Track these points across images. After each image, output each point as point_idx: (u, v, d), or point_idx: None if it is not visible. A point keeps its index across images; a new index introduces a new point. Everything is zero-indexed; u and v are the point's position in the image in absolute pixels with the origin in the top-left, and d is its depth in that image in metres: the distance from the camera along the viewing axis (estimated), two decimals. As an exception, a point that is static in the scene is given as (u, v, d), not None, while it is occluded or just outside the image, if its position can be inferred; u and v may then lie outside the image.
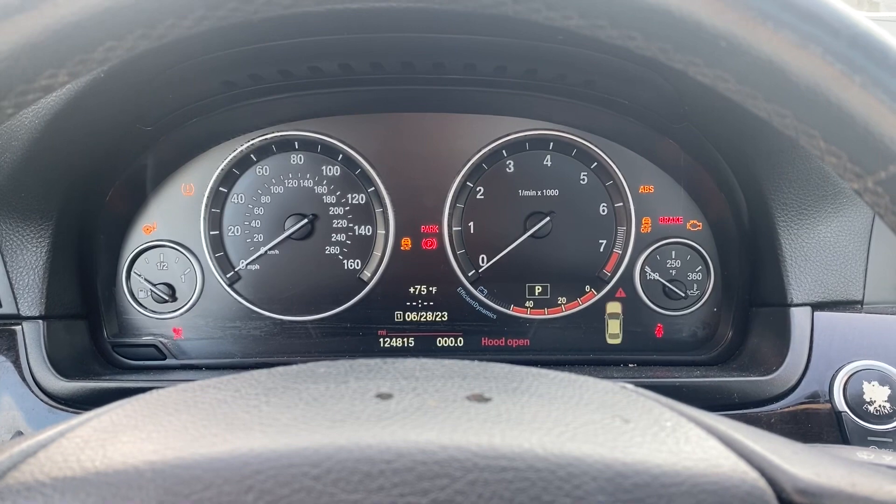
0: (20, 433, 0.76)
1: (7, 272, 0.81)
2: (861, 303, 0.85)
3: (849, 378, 0.77)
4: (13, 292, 0.82)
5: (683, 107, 0.84)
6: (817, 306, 0.82)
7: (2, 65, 0.33)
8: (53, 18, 0.34)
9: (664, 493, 0.32)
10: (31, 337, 0.81)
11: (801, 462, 0.36)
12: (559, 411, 0.37)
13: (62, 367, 0.81)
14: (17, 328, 0.81)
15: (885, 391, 0.75)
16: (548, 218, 0.93)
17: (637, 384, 0.77)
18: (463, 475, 0.31)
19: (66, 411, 0.78)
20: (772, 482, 0.34)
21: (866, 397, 0.76)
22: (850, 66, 0.33)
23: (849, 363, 0.78)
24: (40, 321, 0.81)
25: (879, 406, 0.75)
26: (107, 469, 0.33)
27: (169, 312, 0.93)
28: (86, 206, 0.86)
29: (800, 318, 0.81)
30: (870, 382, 0.76)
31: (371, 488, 0.31)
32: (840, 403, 0.76)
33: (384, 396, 0.38)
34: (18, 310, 0.81)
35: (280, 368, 0.43)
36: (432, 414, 0.36)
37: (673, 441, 0.36)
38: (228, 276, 0.93)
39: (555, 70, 0.82)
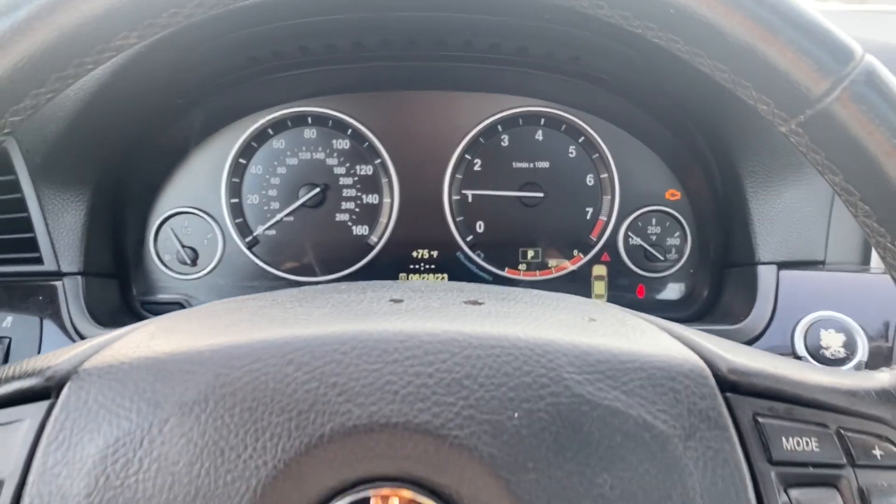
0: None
1: (49, 233, 0.89)
2: (823, 262, 0.92)
3: (809, 327, 0.84)
4: (55, 251, 0.89)
5: (661, 84, 0.91)
6: (783, 265, 0.89)
7: (90, 26, 0.40)
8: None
9: (621, 368, 0.40)
10: (71, 291, 0.88)
11: (736, 352, 0.43)
12: (539, 311, 0.45)
13: (99, 319, 0.88)
14: (59, 283, 0.89)
15: (841, 338, 0.83)
16: (540, 191, 1.01)
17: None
18: (460, 351, 0.39)
19: (104, 357, 0.86)
20: (709, 364, 0.41)
21: (823, 343, 0.83)
22: (771, 27, 0.39)
23: (809, 314, 0.85)
24: (79, 277, 0.89)
25: (835, 351, 0.82)
26: (173, 350, 0.40)
27: (192, 273, 1.01)
28: (120, 174, 0.93)
29: (766, 275, 0.88)
30: (827, 330, 0.83)
31: (387, 360, 0.38)
32: (800, 349, 0.83)
33: (396, 301, 0.45)
34: (59, 267, 0.89)
35: (307, 287, 0.51)
36: (436, 311, 0.43)
37: (631, 333, 0.43)
38: (247, 240, 1.01)
39: (544, 47, 0.89)
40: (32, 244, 0.89)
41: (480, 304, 0.45)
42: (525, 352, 0.39)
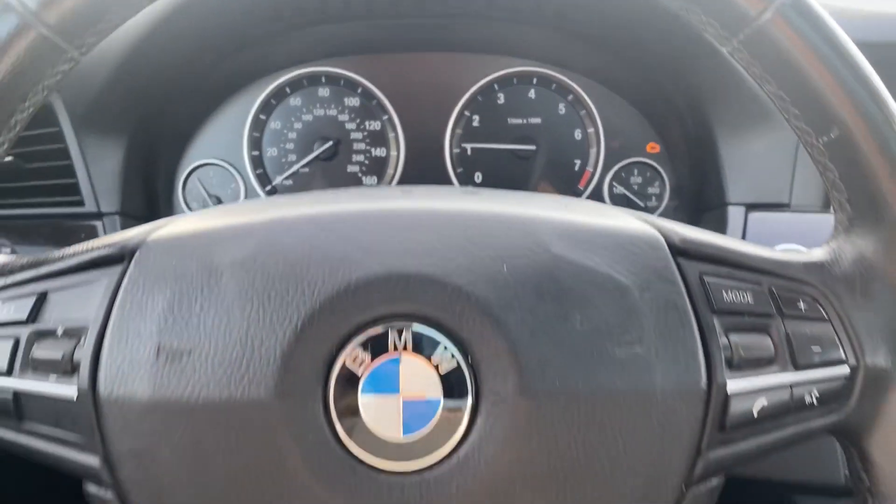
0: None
1: (90, 178, 0.96)
2: (788, 205, 0.99)
3: (772, 259, 0.92)
4: (95, 194, 0.97)
5: (641, 39, 0.98)
6: (750, 206, 0.97)
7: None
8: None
9: (592, 235, 0.47)
10: (109, 229, 0.96)
11: (688, 228, 0.51)
12: (527, 199, 0.53)
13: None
14: (98, 223, 0.97)
15: (800, 267, 0.90)
16: (533, 144, 1.09)
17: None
18: (461, 221, 0.46)
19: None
20: (665, 235, 0.49)
21: (785, 272, 0.90)
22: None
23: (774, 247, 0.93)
24: (116, 217, 0.96)
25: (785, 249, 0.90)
26: (225, 223, 0.48)
27: (217, 220, 1.09)
28: (153, 127, 1.01)
29: (735, 214, 0.96)
30: (788, 260, 0.91)
31: (403, 227, 0.46)
32: (764, 278, 0.91)
33: (405, 191, 0.53)
34: (99, 208, 0.96)
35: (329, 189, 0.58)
36: (441, 196, 0.51)
37: (603, 213, 0.51)
38: (267, 189, 1.09)
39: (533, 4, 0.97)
40: (75, 189, 0.97)
41: (477, 193, 0.53)
42: (514, 222, 0.47)
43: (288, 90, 1.09)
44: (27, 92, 0.49)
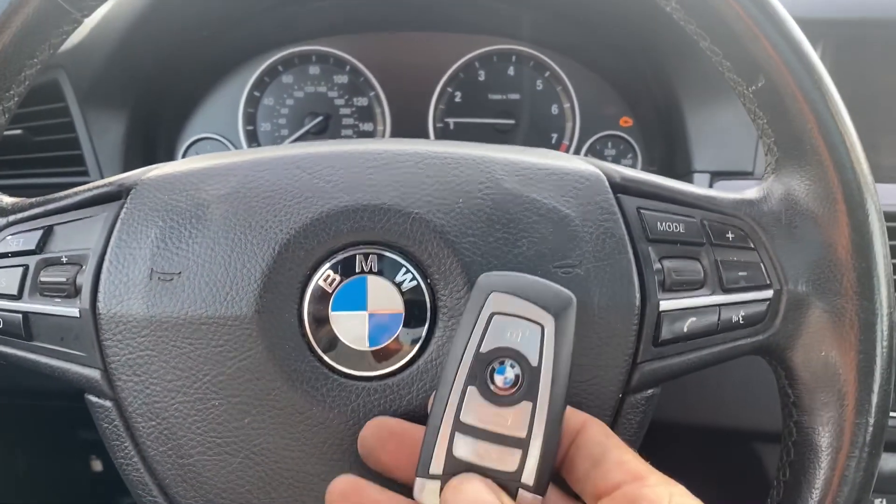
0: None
1: (94, 150, 1.01)
2: (752, 173, 1.03)
3: (733, 222, 0.96)
4: (98, 165, 1.01)
5: (611, 18, 1.03)
6: (716, 174, 1.01)
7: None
8: None
9: (540, 173, 0.51)
10: (113, 197, 1.01)
11: (629, 170, 0.55)
12: (484, 146, 0.57)
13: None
14: (102, 192, 1.01)
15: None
16: (512, 119, 1.13)
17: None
18: (422, 160, 0.50)
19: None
20: (606, 174, 0.53)
21: (744, 233, 0.95)
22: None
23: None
24: (120, 186, 1.01)
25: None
26: (212, 164, 0.53)
27: (214, 191, 1.13)
28: (154, 101, 1.06)
29: (700, 181, 1.00)
30: (748, 223, 0.95)
31: (369, 165, 0.50)
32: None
33: (375, 139, 0.58)
34: (102, 177, 1.01)
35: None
36: (405, 142, 0.55)
37: (550, 156, 0.55)
38: (261, 162, 1.13)
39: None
40: (80, 160, 1.02)
41: (439, 141, 0.58)
42: (469, 161, 0.52)
43: (280, 68, 1.13)
44: (35, 50, 0.53)
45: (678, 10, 0.54)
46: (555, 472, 0.45)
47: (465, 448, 0.41)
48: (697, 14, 0.52)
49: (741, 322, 0.52)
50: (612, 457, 0.43)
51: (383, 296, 0.48)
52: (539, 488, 0.41)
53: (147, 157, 1.07)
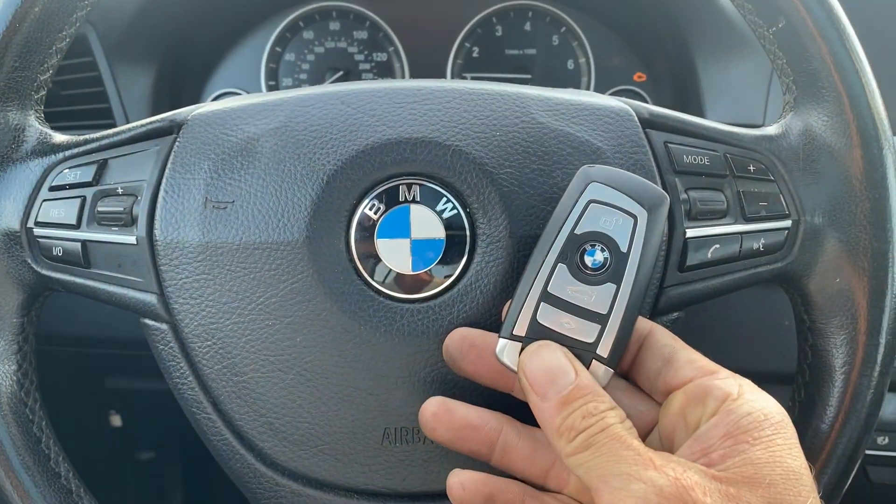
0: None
1: (122, 102, 1.03)
2: (762, 126, 1.05)
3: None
4: (126, 116, 1.03)
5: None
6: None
7: None
8: None
9: (573, 108, 0.54)
10: (141, 149, 1.03)
11: (656, 107, 0.57)
12: (520, 85, 0.59)
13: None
14: (130, 145, 1.03)
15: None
16: (529, 73, 1.15)
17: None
18: (460, 95, 0.53)
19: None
20: (635, 110, 0.55)
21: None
22: None
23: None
24: (147, 139, 1.03)
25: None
26: (260, 101, 0.55)
27: (237, 145, 1.15)
28: (178, 56, 1.07)
29: (713, 133, 1.02)
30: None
31: (411, 101, 0.52)
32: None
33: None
34: (131, 130, 1.03)
35: None
36: (445, 81, 0.57)
37: (584, 93, 0.57)
38: (282, 117, 1.15)
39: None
40: (108, 112, 1.04)
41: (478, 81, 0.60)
42: (505, 97, 0.54)
43: (301, 24, 1.14)
44: (63, 24, 0.55)
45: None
46: (623, 372, 0.48)
47: (549, 316, 0.45)
48: None
49: (761, 250, 0.54)
50: (681, 356, 0.46)
51: (425, 223, 0.51)
52: (612, 361, 0.45)
53: (173, 109, 1.09)
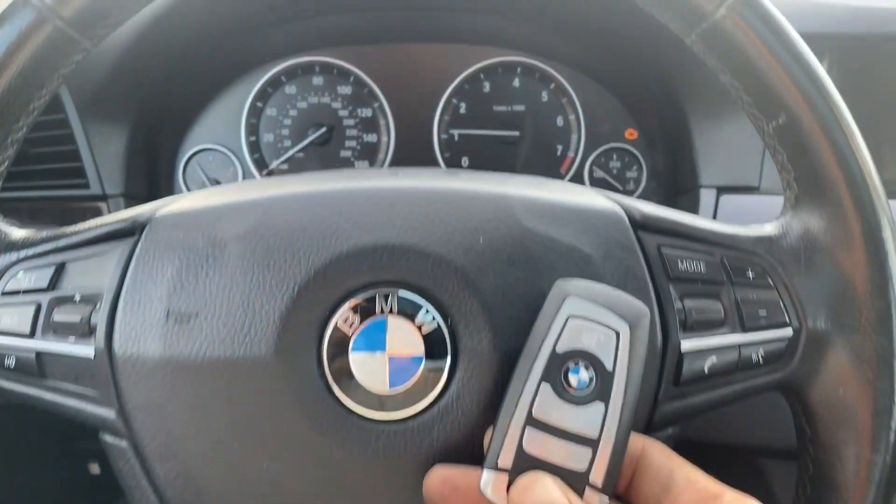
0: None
1: (94, 162, 1.00)
2: (758, 188, 1.04)
3: (741, 238, 0.96)
4: (99, 177, 1.00)
5: (616, 28, 1.02)
6: (722, 189, 1.01)
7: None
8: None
9: (559, 210, 0.51)
10: (114, 210, 1.00)
11: (648, 205, 0.55)
12: (502, 178, 0.57)
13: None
14: (103, 205, 1.00)
15: (766, 245, 0.95)
16: (516, 131, 1.13)
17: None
18: (441, 198, 0.50)
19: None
20: (626, 210, 0.53)
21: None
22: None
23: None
24: (121, 198, 1.00)
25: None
26: (229, 200, 0.52)
27: (216, 203, 1.13)
28: (155, 112, 1.05)
29: (706, 197, 1.00)
30: (755, 239, 0.95)
31: (389, 204, 0.49)
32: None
33: (393, 173, 0.58)
34: (104, 190, 1.00)
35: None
36: (425, 176, 0.55)
37: (570, 191, 0.55)
38: (263, 173, 1.13)
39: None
40: (80, 172, 1.01)
41: (458, 175, 0.58)
42: (489, 199, 0.51)
43: (283, 79, 1.12)
44: (44, 80, 0.52)
45: (698, 44, 0.53)
46: (618, 494, 0.45)
47: (536, 443, 0.42)
48: (719, 49, 0.52)
49: (761, 361, 0.52)
50: (679, 477, 0.43)
51: (403, 337, 0.48)
52: (607, 488, 0.42)
53: (149, 168, 1.07)
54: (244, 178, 1.12)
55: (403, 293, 0.48)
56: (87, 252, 0.53)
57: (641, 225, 0.53)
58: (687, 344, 0.50)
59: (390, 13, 1.08)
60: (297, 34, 1.09)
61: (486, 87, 1.14)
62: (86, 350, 0.50)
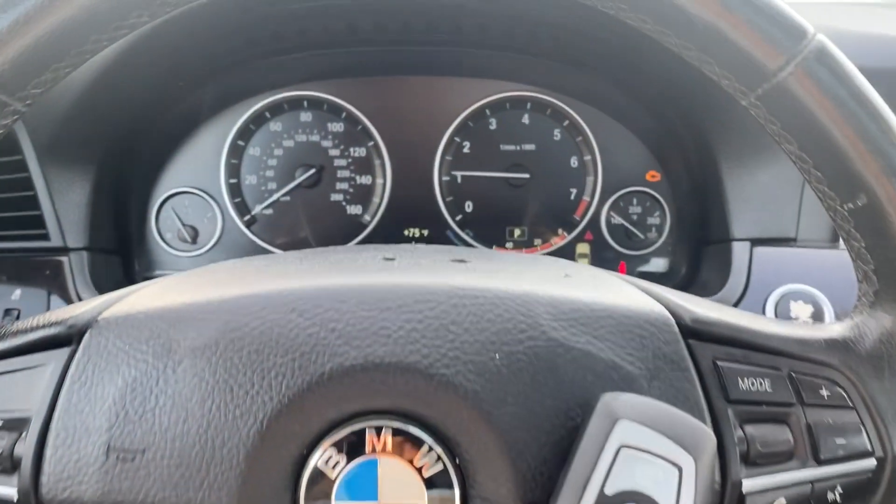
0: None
1: (55, 210, 0.92)
2: (795, 239, 0.96)
3: (780, 299, 0.88)
4: (60, 228, 0.92)
5: (641, 67, 0.94)
6: (756, 241, 0.93)
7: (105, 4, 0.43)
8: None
9: (593, 315, 0.43)
10: (76, 266, 0.91)
11: (699, 304, 0.47)
12: (519, 268, 0.48)
13: (103, 293, 0.91)
14: (65, 259, 0.92)
15: (809, 308, 0.87)
16: (526, 172, 1.05)
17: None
18: (447, 300, 0.43)
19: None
20: (674, 313, 0.45)
21: (793, 314, 0.87)
22: (731, 7, 0.43)
23: (780, 287, 0.89)
24: (84, 252, 0.92)
25: (804, 321, 0.86)
26: (185, 301, 0.44)
27: (193, 251, 1.04)
28: (124, 155, 0.97)
29: (740, 250, 0.92)
30: (796, 301, 0.87)
31: (381, 308, 0.42)
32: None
33: (388, 259, 0.49)
34: (65, 243, 0.92)
35: (306, 250, 0.54)
36: (425, 267, 0.47)
37: (603, 287, 0.47)
38: (245, 219, 1.04)
39: (530, 36, 0.93)
40: (39, 221, 0.93)
41: (466, 262, 0.49)
42: (506, 301, 0.43)
43: (268, 115, 1.04)
44: None
45: (758, 107, 0.46)
46: None
47: None
48: (784, 115, 0.44)
49: (838, 500, 0.44)
50: None
51: (399, 483, 0.40)
52: None
53: (118, 216, 0.98)
54: (224, 224, 1.04)
55: (399, 425, 0.40)
56: (13, 364, 0.45)
57: (693, 332, 0.45)
58: (750, 482, 0.43)
59: (386, 47, 1.00)
60: (283, 66, 1.00)
61: (493, 123, 1.06)
62: (7, 490, 0.42)
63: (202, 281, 0.47)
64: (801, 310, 0.87)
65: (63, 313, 0.46)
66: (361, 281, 0.44)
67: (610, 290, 0.46)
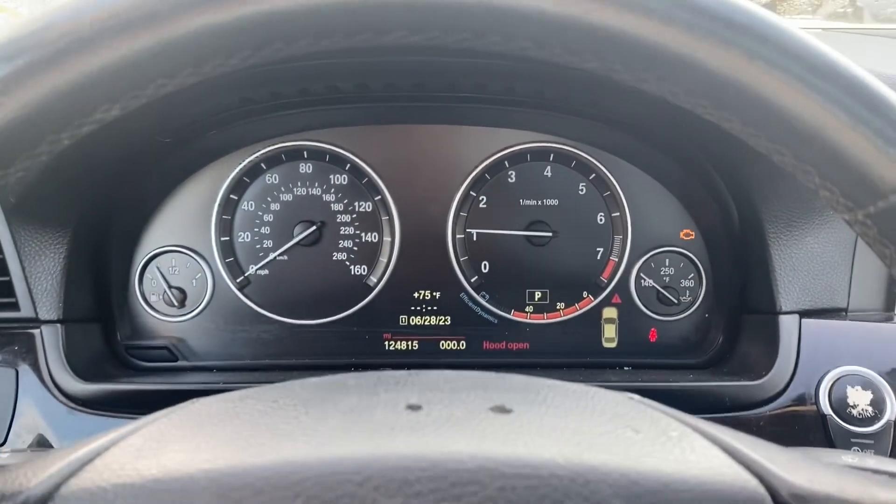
0: (42, 436, 0.79)
1: (26, 277, 0.84)
2: (846, 310, 0.88)
3: (834, 383, 0.80)
4: (31, 297, 0.84)
5: (679, 125, 0.87)
6: (804, 314, 0.86)
7: (64, 101, 0.36)
8: (113, 58, 0.37)
9: (673, 499, 0.35)
10: (49, 340, 0.83)
11: (795, 469, 0.39)
12: (576, 422, 0.41)
13: (80, 370, 0.83)
14: (36, 332, 0.84)
15: (868, 395, 0.79)
16: (549, 230, 0.97)
17: (633, 388, 0.80)
18: (491, 482, 0.35)
19: (86, 412, 0.80)
20: (768, 487, 0.37)
21: (850, 401, 0.79)
22: (847, 112, 0.36)
23: (834, 368, 0.81)
24: (58, 325, 0.84)
25: (862, 409, 0.79)
26: (163, 476, 0.36)
27: (180, 316, 0.96)
28: (103, 213, 0.89)
29: (788, 325, 0.84)
30: (853, 387, 0.80)
31: (409, 493, 0.34)
32: (825, 407, 0.80)
33: (414, 408, 0.41)
34: (37, 314, 0.84)
35: (312, 379, 0.46)
36: (460, 425, 0.39)
37: (679, 451, 0.39)
38: (238, 280, 0.96)
39: (561, 91, 0.85)
40: (8, 289, 0.85)
41: (509, 411, 0.41)
42: (565, 482, 0.35)
43: (264, 166, 0.96)
44: None
45: (866, 226, 0.38)
46: None
47: None
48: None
49: None
50: None
51: None
52: None
53: (97, 279, 0.90)
54: (215, 286, 0.96)
55: None
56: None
57: None
58: None
59: (399, 104, 0.92)
60: (283, 116, 0.92)
61: (512, 176, 0.98)
62: None
63: (183, 437, 0.39)
64: (859, 396, 0.79)
65: (14, 483, 0.37)
66: (381, 451, 0.36)
67: (689, 456, 0.38)
